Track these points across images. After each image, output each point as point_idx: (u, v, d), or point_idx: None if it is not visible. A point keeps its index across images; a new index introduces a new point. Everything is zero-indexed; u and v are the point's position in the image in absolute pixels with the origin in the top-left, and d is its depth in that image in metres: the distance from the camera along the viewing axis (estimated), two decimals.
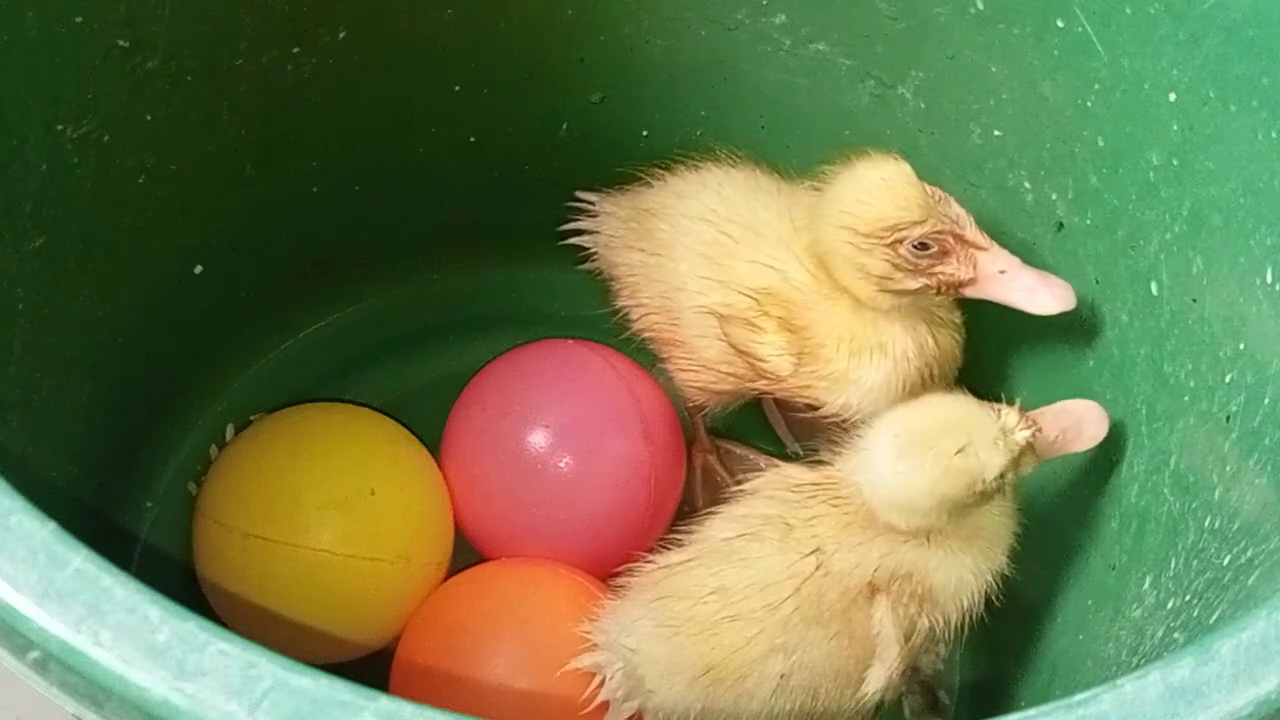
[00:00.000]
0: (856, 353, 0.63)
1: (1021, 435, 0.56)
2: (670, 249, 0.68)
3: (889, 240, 0.59)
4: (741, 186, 0.68)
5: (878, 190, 0.59)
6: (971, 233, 0.59)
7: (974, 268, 0.59)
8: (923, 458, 0.55)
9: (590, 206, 0.73)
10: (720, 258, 0.66)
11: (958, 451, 0.54)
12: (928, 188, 0.59)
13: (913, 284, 0.60)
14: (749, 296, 0.64)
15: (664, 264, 0.68)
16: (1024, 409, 0.57)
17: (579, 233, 0.73)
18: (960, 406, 0.57)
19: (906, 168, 0.59)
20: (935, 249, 0.59)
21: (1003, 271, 0.59)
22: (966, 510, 0.57)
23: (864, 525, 0.58)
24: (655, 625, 0.60)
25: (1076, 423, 0.59)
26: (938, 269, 0.59)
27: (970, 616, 0.60)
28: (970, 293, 0.60)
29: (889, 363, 0.62)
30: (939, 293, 0.60)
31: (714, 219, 0.67)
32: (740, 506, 0.62)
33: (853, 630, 0.58)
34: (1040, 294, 0.59)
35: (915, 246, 0.59)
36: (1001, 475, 0.55)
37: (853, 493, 0.59)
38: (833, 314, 0.63)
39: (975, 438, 0.55)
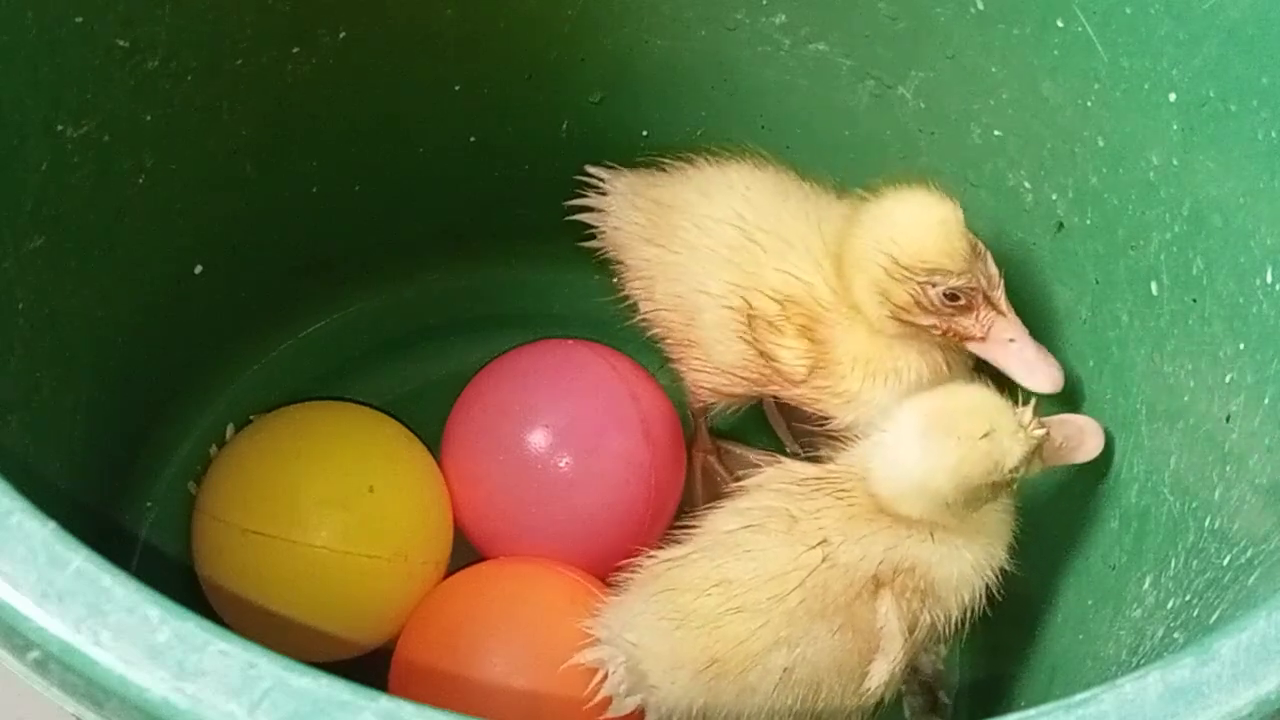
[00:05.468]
0: (871, 375, 0.63)
1: (1037, 432, 0.57)
2: (693, 250, 0.67)
3: (922, 279, 0.60)
4: (769, 190, 0.68)
5: (932, 231, 0.60)
6: (997, 295, 0.61)
7: (987, 329, 0.61)
8: (949, 438, 0.56)
9: (600, 184, 0.72)
10: (747, 265, 0.66)
11: (983, 435, 0.56)
12: (971, 239, 0.60)
13: (925, 321, 0.61)
14: (774, 300, 0.64)
15: (684, 264, 0.68)
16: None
17: (585, 209, 0.72)
18: (983, 395, 0.58)
19: (960, 215, 0.60)
20: (961, 301, 0.60)
21: (1011, 340, 0.61)
22: (976, 502, 0.57)
23: (869, 518, 0.59)
24: (658, 619, 0.60)
25: (1078, 433, 0.61)
26: (955, 319, 0.61)
27: (971, 613, 0.60)
28: (973, 348, 0.62)
29: (902, 387, 0.63)
30: (943, 335, 0.61)
31: (741, 224, 0.66)
32: (744, 499, 0.62)
33: (856, 624, 0.58)
34: (1037, 371, 0.61)
35: (945, 294, 0.60)
36: (1017, 468, 0.56)
37: (858, 485, 0.59)
38: (851, 333, 0.64)
39: (998, 425, 0.56)
